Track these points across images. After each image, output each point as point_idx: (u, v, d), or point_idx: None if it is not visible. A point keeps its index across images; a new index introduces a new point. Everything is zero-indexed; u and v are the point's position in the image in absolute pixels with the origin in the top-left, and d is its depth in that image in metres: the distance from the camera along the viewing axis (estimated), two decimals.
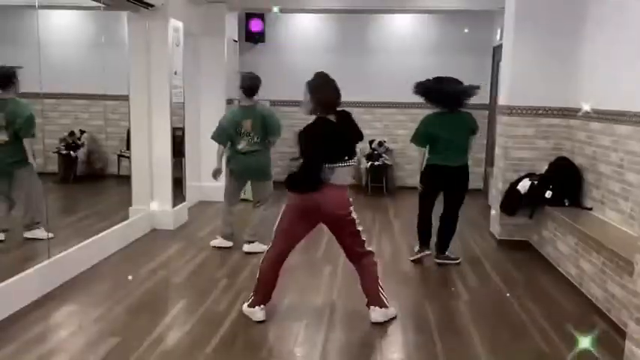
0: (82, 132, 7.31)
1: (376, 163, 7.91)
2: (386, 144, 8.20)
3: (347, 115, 3.44)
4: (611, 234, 3.98)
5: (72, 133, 7.25)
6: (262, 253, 4.82)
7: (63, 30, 7.02)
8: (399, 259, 4.91)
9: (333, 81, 3.42)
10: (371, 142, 8.19)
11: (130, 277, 4.14)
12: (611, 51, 4.42)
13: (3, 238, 4.63)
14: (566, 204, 4.83)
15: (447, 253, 4.80)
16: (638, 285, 2.77)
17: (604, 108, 4.44)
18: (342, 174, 3.35)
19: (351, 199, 3.48)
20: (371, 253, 3.60)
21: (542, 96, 5.17)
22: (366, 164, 7.95)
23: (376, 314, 3.51)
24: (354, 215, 3.48)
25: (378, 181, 7.96)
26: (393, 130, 8.41)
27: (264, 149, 4.91)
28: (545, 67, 5.12)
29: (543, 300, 4.01)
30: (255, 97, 4.89)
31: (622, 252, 3.48)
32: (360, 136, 3.48)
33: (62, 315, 3.55)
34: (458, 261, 4.77)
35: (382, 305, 3.52)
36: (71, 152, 7.11)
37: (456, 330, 3.48)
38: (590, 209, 4.67)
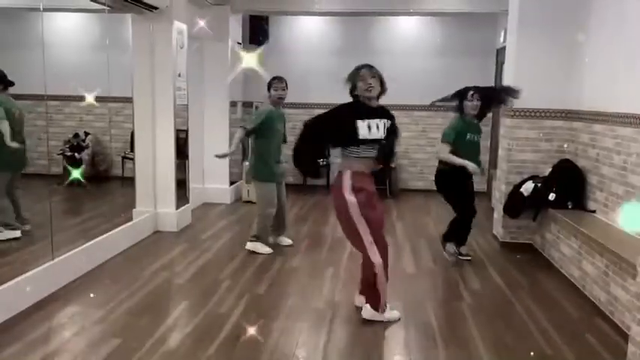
0: (86, 134, 7.36)
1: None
2: None
3: (339, 107, 3.51)
4: (614, 236, 3.97)
5: (76, 135, 7.30)
6: (263, 254, 4.89)
7: (67, 32, 7.07)
8: (402, 261, 4.91)
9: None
10: None
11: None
12: (614, 53, 4.41)
13: (19, 235, 4.79)
14: (570, 206, 4.82)
15: (446, 247, 4.98)
16: None
17: (607, 110, 4.43)
18: (343, 160, 3.52)
19: (347, 189, 3.41)
20: (371, 261, 3.47)
21: (546, 98, 5.17)
22: None
23: (366, 312, 3.58)
24: (351, 213, 3.40)
25: (382, 183, 7.95)
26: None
27: (254, 150, 5.06)
28: (548, 69, 5.12)
29: (546, 302, 4.00)
30: (265, 98, 5.06)
31: (625, 254, 3.47)
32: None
33: (65, 316, 3.57)
34: (448, 257, 4.90)
35: (375, 306, 3.55)
36: (75, 154, 7.15)
37: (458, 332, 3.48)
38: (594, 212, 4.65)
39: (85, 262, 4.37)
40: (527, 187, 5.07)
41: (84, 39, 7.04)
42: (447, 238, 4.97)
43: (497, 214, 5.59)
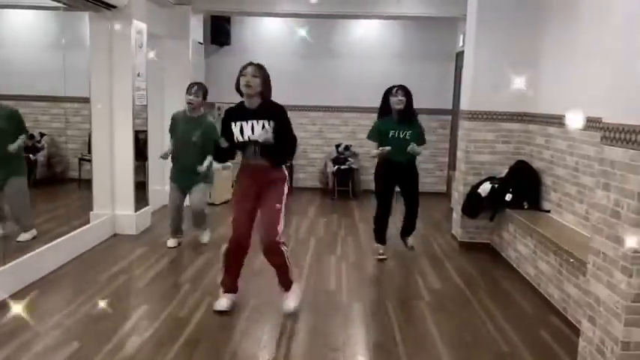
0: (41, 135, 7.14)
1: (342, 166, 7.96)
2: (352, 148, 8.26)
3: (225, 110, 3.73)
4: (567, 236, 4.10)
5: (31, 136, 7.07)
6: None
7: (21, 30, 6.85)
8: (363, 262, 4.95)
9: None
10: (337, 146, 8.24)
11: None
12: (568, 57, 4.56)
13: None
14: (526, 207, 4.95)
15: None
16: (591, 285, 2.87)
17: (561, 113, 4.57)
18: None
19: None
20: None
21: (503, 101, 5.30)
22: (332, 168, 7.99)
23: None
24: None
25: (344, 184, 8.01)
26: (359, 134, 8.47)
27: None
28: (505, 72, 5.24)
29: (503, 300, 4.10)
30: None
31: (577, 253, 3.59)
32: None
33: (19, 322, 3.45)
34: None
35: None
36: (30, 155, 6.92)
37: (417, 331, 3.53)
38: (548, 212, 4.79)
39: (41, 266, 4.24)
40: (485, 188, 5.19)
41: (39, 37, 6.83)
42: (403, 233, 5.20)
43: (456, 214, 5.70)
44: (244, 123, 3.50)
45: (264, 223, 3.61)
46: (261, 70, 3.50)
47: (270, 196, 3.60)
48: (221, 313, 3.64)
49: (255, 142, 3.50)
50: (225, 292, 3.74)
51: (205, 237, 5.30)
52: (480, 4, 5.28)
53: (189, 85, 5.05)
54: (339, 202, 7.74)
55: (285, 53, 8.28)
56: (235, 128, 3.52)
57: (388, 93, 4.85)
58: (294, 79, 8.18)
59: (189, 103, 4.96)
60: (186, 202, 5.19)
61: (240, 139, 3.52)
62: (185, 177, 5.06)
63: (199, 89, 4.98)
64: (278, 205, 3.59)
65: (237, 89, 3.52)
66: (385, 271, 4.73)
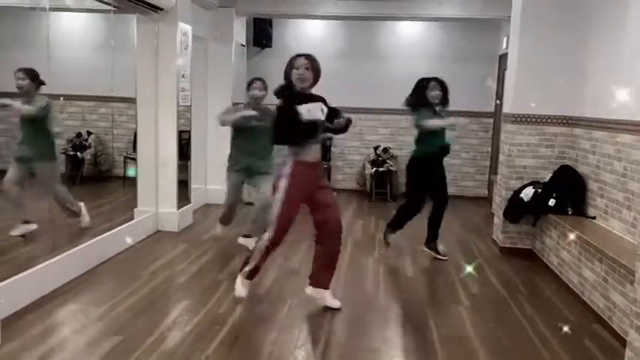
0: (89, 133, 7.39)
1: (381, 169, 7.93)
2: (391, 150, 8.23)
3: None
4: (613, 243, 3.97)
5: (79, 135, 7.34)
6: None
7: (73, 32, 7.11)
8: (401, 264, 4.92)
9: None
10: (376, 148, 8.22)
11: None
12: (615, 59, 4.43)
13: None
14: (570, 212, 4.83)
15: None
16: (639, 293, 2.78)
17: (608, 117, 4.45)
18: None
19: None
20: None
21: (547, 104, 5.18)
22: (370, 170, 7.97)
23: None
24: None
25: (382, 187, 7.97)
26: (398, 136, 8.43)
27: None
28: (549, 75, 5.13)
29: (545, 307, 4.01)
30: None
31: (624, 260, 3.48)
32: None
33: (65, 313, 3.59)
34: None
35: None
36: (78, 153, 7.19)
37: (456, 336, 3.49)
38: (594, 218, 4.66)
39: (86, 260, 4.39)
40: (528, 193, 5.08)
41: (89, 39, 7.08)
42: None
43: (498, 219, 5.60)
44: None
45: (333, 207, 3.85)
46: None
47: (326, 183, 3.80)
48: (246, 306, 3.71)
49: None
50: (249, 279, 3.82)
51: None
52: (525, 6, 5.18)
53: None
54: (377, 204, 7.71)
55: (325, 55, 8.19)
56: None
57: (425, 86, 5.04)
58: (334, 81, 8.17)
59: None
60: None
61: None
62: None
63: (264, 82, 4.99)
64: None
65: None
66: (423, 275, 4.70)
